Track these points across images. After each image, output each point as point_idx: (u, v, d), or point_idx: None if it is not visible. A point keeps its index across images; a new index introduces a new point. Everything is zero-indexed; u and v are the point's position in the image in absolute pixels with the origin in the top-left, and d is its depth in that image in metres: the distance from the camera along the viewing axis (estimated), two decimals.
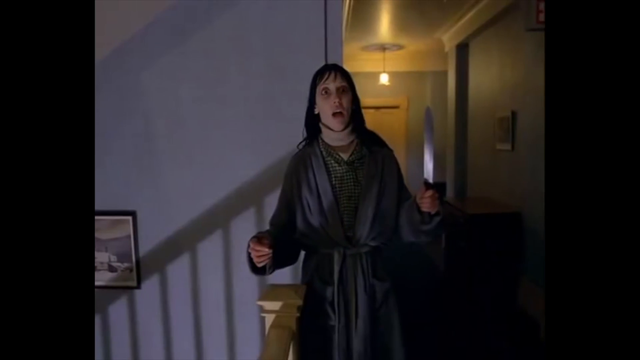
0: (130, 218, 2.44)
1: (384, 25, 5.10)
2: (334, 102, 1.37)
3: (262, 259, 1.22)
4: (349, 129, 1.43)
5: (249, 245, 1.24)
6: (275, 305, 1.17)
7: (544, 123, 2.91)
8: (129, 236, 2.45)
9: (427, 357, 2.80)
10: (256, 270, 1.31)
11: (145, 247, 2.46)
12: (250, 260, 1.27)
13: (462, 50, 4.96)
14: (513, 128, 3.70)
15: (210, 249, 2.43)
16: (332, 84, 1.39)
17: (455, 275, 4.15)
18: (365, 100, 7.13)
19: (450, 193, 5.28)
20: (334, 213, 1.36)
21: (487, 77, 4.37)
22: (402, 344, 1.44)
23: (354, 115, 1.44)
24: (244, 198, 2.39)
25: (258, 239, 1.23)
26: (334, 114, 1.38)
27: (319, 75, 1.43)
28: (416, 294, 3.96)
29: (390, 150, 1.50)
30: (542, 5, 2.41)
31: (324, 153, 1.43)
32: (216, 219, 2.41)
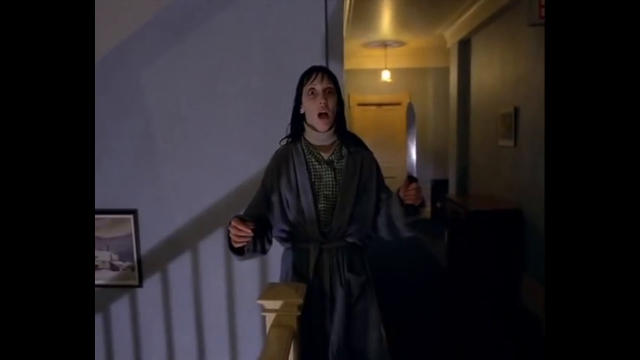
0: (131, 217, 2.44)
1: (385, 21, 5.07)
2: (320, 103, 1.41)
3: (241, 239, 1.24)
4: (332, 130, 1.47)
5: (229, 223, 1.24)
6: (275, 304, 1.16)
7: None
8: (130, 235, 2.45)
9: (428, 352, 2.79)
10: (233, 250, 1.33)
11: (146, 246, 2.46)
12: (229, 239, 1.27)
13: (464, 46, 4.93)
14: (515, 124, 3.68)
15: (211, 247, 2.43)
16: (318, 85, 1.43)
17: (457, 271, 4.14)
18: (367, 97, 7.13)
19: (452, 189, 5.27)
20: (311, 209, 1.41)
21: (489, 73, 4.35)
22: (378, 339, 1.45)
23: (337, 117, 1.48)
24: (244, 196, 2.37)
25: (241, 219, 1.24)
26: (320, 115, 1.42)
27: (306, 76, 1.47)
28: (417, 290, 3.95)
29: (370, 152, 1.54)
30: (544, 0, 2.39)
31: (305, 151, 1.47)
32: (217, 218, 2.41)
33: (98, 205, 2.33)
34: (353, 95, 6.95)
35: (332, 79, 1.46)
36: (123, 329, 2.52)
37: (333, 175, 1.44)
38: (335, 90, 1.45)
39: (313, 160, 1.46)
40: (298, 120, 1.50)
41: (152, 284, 2.49)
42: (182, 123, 2.39)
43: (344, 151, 1.47)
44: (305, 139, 1.49)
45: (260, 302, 1.19)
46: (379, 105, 7.04)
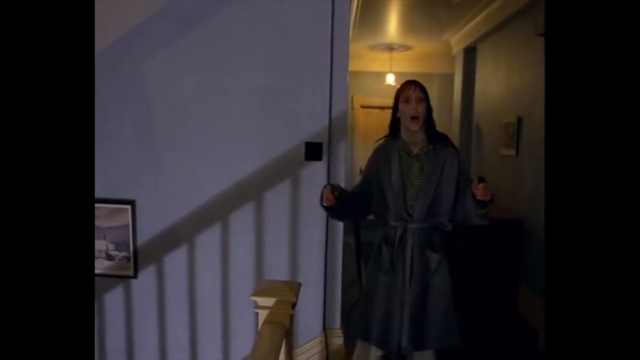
0: (129, 207, 2.44)
1: (392, 25, 5.06)
2: (413, 108, 1.76)
3: (327, 202, 1.67)
4: (422, 130, 1.81)
5: (325, 186, 1.70)
6: (269, 301, 1.16)
7: None
8: (127, 225, 2.45)
9: None
10: (323, 207, 1.73)
11: (143, 237, 2.46)
12: (322, 198, 1.70)
13: (470, 53, 4.92)
14: (518, 134, 3.68)
15: (208, 241, 2.43)
16: (412, 94, 1.78)
17: (454, 280, 4.13)
18: (371, 99, 7.10)
19: None
20: (400, 192, 1.76)
21: (494, 81, 4.34)
22: (450, 308, 1.81)
23: (427, 120, 1.82)
24: (243, 192, 2.39)
25: (332, 187, 1.68)
26: (412, 117, 1.77)
27: (402, 87, 1.83)
28: None
29: (455, 149, 1.85)
30: None
31: (399, 147, 1.82)
32: (215, 212, 2.41)
33: (97, 193, 2.32)
34: (357, 97, 6.95)
35: (423, 90, 1.80)
36: (116, 319, 2.52)
37: (420, 167, 1.78)
38: (424, 99, 1.79)
39: (405, 154, 1.81)
40: (395, 123, 1.86)
41: (147, 275, 2.48)
42: (185, 115, 2.39)
43: (431, 147, 1.80)
44: (401, 138, 1.84)
45: (253, 298, 1.19)
46: (383, 108, 7.03)
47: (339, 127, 2.35)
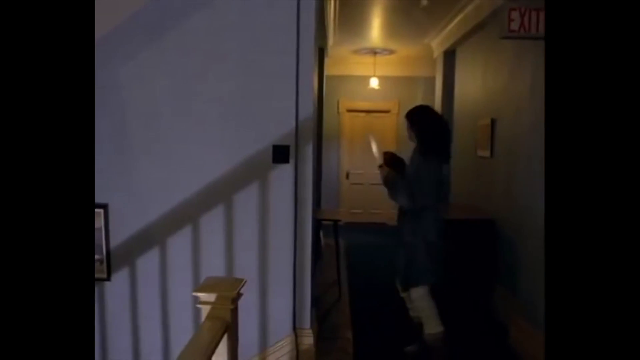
0: (102, 211, 2.47)
1: (374, 29, 5.13)
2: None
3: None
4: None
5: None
6: (210, 297, 1.20)
7: (521, 131, 2.95)
8: (100, 228, 2.48)
9: (397, 358, 2.83)
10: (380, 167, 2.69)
11: (116, 240, 2.49)
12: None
13: (449, 57, 4.99)
14: (492, 135, 3.74)
15: (180, 243, 2.47)
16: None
17: None
18: (357, 103, 7.18)
19: None
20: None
21: (471, 84, 4.41)
22: (419, 260, 2.53)
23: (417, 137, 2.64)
24: (215, 194, 2.43)
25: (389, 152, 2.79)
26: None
27: None
28: (390, 296, 3.97)
29: (422, 155, 2.57)
30: (513, 14, 2.45)
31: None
32: (187, 215, 2.45)
33: None
34: (342, 101, 7.01)
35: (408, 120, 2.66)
36: None
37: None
38: (410, 127, 2.65)
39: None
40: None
41: (120, 277, 2.52)
42: (157, 119, 2.43)
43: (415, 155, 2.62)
44: None
45: (195, 294, 1.23)
46: (368, 112, 7.09)
47: (305, 130, 2.40)
